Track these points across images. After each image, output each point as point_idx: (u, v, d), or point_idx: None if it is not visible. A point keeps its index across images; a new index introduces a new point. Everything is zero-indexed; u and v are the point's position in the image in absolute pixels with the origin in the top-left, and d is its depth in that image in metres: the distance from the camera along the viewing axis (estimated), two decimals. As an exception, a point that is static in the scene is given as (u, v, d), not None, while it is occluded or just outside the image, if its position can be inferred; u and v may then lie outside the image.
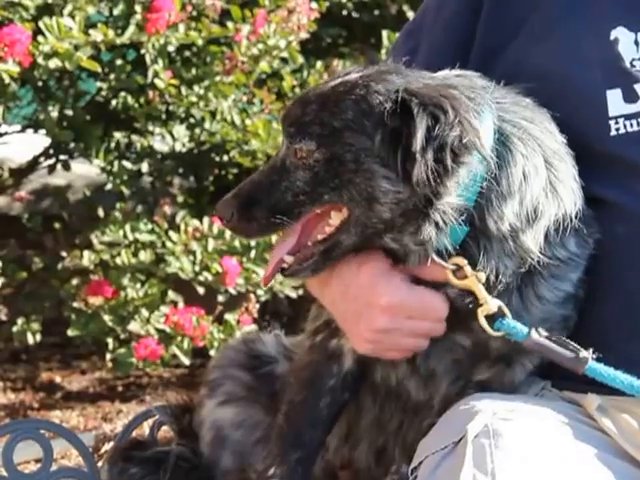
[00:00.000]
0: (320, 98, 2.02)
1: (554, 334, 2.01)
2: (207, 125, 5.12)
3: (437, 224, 1.95)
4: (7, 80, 4.37)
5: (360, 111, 1.97)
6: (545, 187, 2.02)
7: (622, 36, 2.17)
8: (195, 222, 5.01)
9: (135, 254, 4.95)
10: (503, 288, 2.02)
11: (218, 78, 4.97)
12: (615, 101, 2.14)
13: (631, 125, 2.13)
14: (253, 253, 4.98)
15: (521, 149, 2.00)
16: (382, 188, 1.94)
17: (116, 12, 4.78)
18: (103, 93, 5.12)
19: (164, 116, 5.12)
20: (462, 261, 2.00)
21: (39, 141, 5.33)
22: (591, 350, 1.99)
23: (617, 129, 2.13)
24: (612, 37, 2.17)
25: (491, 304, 2.00)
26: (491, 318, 2.01)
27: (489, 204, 1.98)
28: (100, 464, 2.69)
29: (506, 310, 2.01)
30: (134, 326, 4.92)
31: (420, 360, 2.13)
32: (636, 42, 2.17)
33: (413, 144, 1.89)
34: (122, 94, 5.03)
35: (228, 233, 4.98)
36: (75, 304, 4.96)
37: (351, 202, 1.97)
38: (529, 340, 2.00)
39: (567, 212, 2.03)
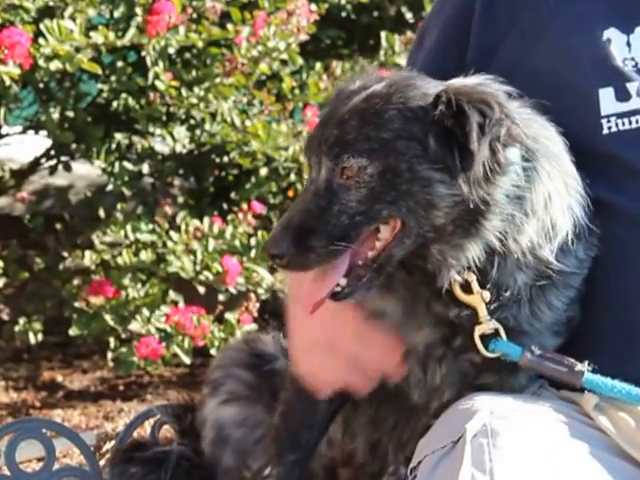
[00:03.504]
0: (357, 114, 1.97)
1: (548, 351, 2.03)
2: (207, 126, 5.13)
3: (479, 242, 1.96)
4: (8, 82, 4.38)
5: (405, 119, 1.94)
6: (563, 207, 2.03)
7: (614, 37, 2.18)
8: (196, 222, 5.03)
9: (136, 254, 4.98)
10: (513, 300, 2.03)
11: (218, 80, 4.98)
12: (607, 100, 2.14)
13: (623, 124, 2.13)
14: (253, 253, 5.00)
15: (547, 167, 2.01)
16: (439, 193, 1.92)
17: (117, 14, 4.79)
18: (104, 95, 5.14)
19: (165, 117, 5.13)
20: (471, 276, 2.00)
21: (40, 142, 5.34)
22: (586, 363, 2.01)
23: (609, 128, 2.14)
24: (604, 37, 2.18)
25: (489, 324, 2.02)
26: (486, 337, 2.04)
27: (511, 221, 1.97)
28: (102, 463, 2.70)
29: (502, 332, 2.02)
30: (135, 325, 4.94)
31: (429, 376, 2.13)
32: (628, 43, 2.18)
33: (470, 141, 1.89)
34: (123, 96, 5.05)
35: (228, 233, 5.00)
36: (76, 304, 4.99)
37: (409, 213, 1.93)
38: (524, 360, 2.02)
39: (578, 226, 2.05)
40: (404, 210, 1.93)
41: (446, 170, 1.92)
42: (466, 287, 2.02)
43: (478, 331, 2.02)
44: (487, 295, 2.00)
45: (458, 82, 2.01)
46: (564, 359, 2.02)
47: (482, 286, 2.02)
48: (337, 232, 1.93)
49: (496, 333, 2.04)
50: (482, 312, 2.01)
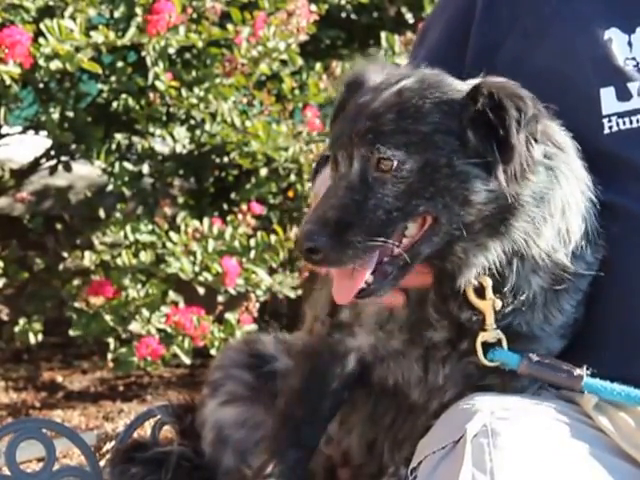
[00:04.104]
0: (392, 107, 1.95)
1: (546, 357, 2.04)
2: (207, 127, 5.13)
3: (503, 243, 1.96)
4: (8, 81, 4.38)
5: (443, 112, 1.93)
6: (579, 212, 2.03)
7: (615, 37, 2.19)
8: (195, 223, 5.03)
9: (136, 254, 4.97)
10: (528, 305, 2.03)
11: (218, 80, 4.98)
12: (609, 99, 2.16)
13: (624, 123, 2.15)
14: (253, 253, 5.00)
15: (566, 172, 2.01)
16: (476, 188, 1.91)
17: (117, 14, 4.78)
18: (104, 95, 5.14)
19: (165, 118, 5.13)
20: (487, 281, 2.00)
21: (40, 142, 5.34)
22: (584, 367, 2.01)
23: (610, 127, 2.15)
24: (606, 37, 2.19)
25: (492, 333, 2.02)
26: (488, 345, 2.04)
27: (531, 224, 1.97)
28: (102, 463, 2.70)
29: (504, 342, 2.03)
30: (135, 326, 4.94)
31: (431, 376, 2.14)
32: (629, 43, 2.19)
33: (511, 135, 1.88)
34: (123, 96, 5.04)
35: (228, 234, 5.00)
36: (76, 304, 4.99)
37: (444, 209, 1.92)
38: (522, 368, 2.03)
39: (590, 231, 2.06)
40: (440, 206, 1.92)
41: (482, 165, 1.91)
42: (480, 292, 2.01)
43: (481, 338, 2.03)
44: (499, 303, 2.00)
45: (489, 79, 1.99)
46: (562, 365, 2.02)
47: (498, 290, 2.01)
48: (374, 228, 1.90)
49: (498, 342, 2.04)
50: (490, 319, 2.02)
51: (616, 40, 2.19)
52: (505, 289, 2.01)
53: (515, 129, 1.88)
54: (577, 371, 2.01)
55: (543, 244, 1.99)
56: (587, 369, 2.01)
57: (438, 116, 1.93)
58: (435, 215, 1.93)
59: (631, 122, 2.15)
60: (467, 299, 2.03)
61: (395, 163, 1.91)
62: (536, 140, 1.94)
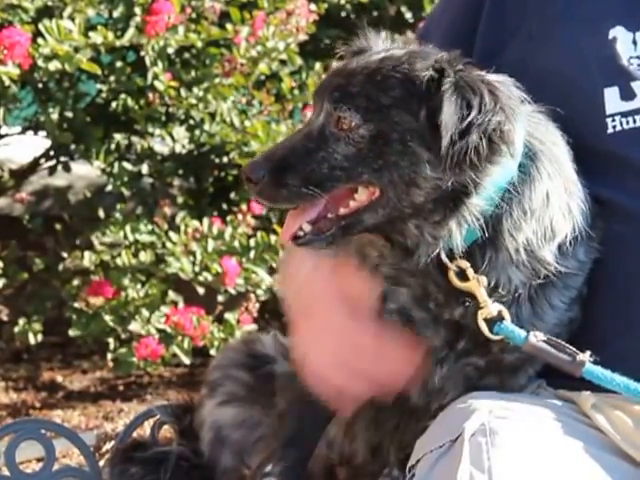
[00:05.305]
0: (366, 71, 1.97)
1: (552, 337, 2.02)
2: (207, 127, 5.13)
3: (460, 221, 1.96)
4: (7, 82, 4.39)
5: (405, 89, 1.93)
6: (562, 208, 2.03)
7: (620, 35, 2.19)
8: (195, 223, 5.03)
9: (135, 255, 4.98)
10: (510, 298, 2.03)
11: (217, 80, 4.98)
12: (612, 99, 2.15)
13: (627, 122, 2.14)
14: (252, 253, 5.00)
15: (548, 168, 2.01)
16: (424, 174, 1.91)
17: (116, 14, 4.79)
18: (103, 95, 5.15)
19: (164, 118, 5.14)
20: (465, 264, 2.00)
21: (40, 142, 5.34)
22: (588, 353, 2.00)
23: (614, 126, 2.14)
24: (610, 36, 2.19)
25: (491, 308, 2.01)
26: (490, 322, 2.03)
27: (508, 216, 1.98)
28: (102, 463, 2.70)
29: (506, 314, 2.02)
30: (135, 326, 4.94)
31: (430, 380, 2.14)
32: (634, 41, 2.18)
33: (439, 120, 1.88)
34: (122, 96, 5.05)
35: (227, 233, 5.00)
36: (76, 304, 4.99)
37: (390, 184, 1.93)
38: (527, 344, 2.01)
39: (578, 228, 2.05)
40: (386, 180, 1.93)
41: (435, 152, 1.91)
42: (462, 275, 2.01)
43: (481, 315, 2.02)
44: (484, 279, 2.00)
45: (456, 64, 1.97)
46: (567, 347, 2.01)
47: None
48: (314, 178, 1.94)
49: (499, 318, 2.02)
50: (481, 297, 2.01)
51: (621, 39, 2.18)
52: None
53: (449, 118, 1.87)
54: (580, 356, 1.99)
55: (521, 238, 1.99)
56: (591, 356, 2.00)
57: (399, 91, 1.93)
58: (380, 188, 1.95)
59: (635, 121, 2.14)
60: (455, 292, 2.03)
61: (351, 124, 1.94)
62: (490, 138, 1.90)
